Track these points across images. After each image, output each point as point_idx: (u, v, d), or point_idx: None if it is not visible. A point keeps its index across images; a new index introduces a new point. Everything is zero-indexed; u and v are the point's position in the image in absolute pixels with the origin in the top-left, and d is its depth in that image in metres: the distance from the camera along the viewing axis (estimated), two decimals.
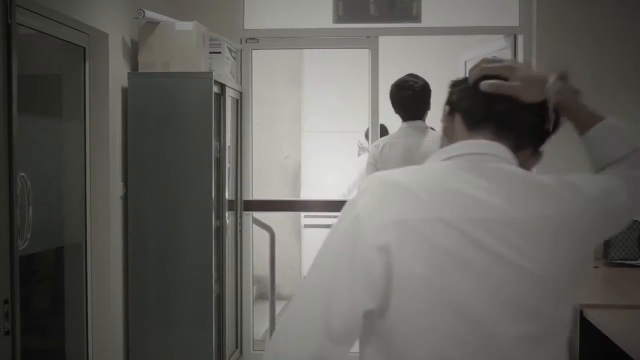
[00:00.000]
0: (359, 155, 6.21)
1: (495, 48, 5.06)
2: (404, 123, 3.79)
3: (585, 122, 1.39)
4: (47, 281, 3.67)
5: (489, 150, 1.29)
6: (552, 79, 1.32)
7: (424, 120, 3.79)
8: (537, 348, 1.23)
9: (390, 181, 1.23)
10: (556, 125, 1.36)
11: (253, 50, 4.93)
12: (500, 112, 1.31)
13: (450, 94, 1.41)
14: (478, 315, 1.19)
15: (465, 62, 5.54)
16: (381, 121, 4.93)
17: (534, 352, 1.22)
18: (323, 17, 4.86)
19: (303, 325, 1.18)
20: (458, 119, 1.36)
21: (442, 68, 4.36)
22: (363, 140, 5.46)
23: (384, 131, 5.01)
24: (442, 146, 1.36)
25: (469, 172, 1.25)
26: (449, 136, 1.37)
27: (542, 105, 1.32)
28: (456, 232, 1.18)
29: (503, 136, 1.31)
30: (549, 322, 1.24)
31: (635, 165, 1.37)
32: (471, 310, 1.19)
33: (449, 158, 1.30)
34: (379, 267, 1.16)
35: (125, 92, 3.94)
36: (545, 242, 1.23)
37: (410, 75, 3.85)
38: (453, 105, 1.38)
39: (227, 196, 4.40)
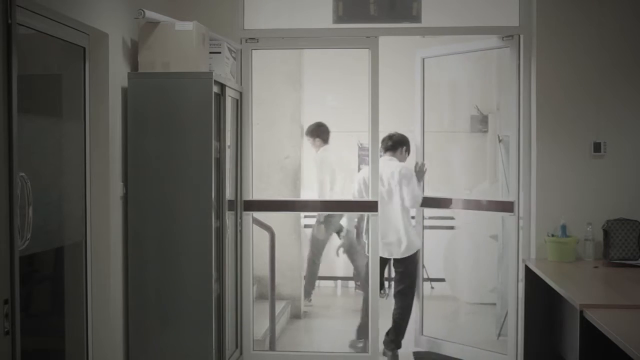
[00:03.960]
0: (358, 155, 6.22)
1: (452, 50, 5.12)
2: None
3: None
4: (47, 281, 3.66)
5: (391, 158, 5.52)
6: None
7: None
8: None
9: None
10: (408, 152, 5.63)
11: (253, 50, 4.93)
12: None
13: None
14: (385, 191, 5.39)
15: (423, 60, 5.52)
16: (381, 122, 4.94)
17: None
18: (323, 17, 4.87)
19: None
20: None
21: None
22: (363, 140, 5.52)
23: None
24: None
25: (387, 162, 5.40)
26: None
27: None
28: (384, 177, 5.34)
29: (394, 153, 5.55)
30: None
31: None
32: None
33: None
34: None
35: (125, 92, 3.94)
36: (400, 178, 5.36)
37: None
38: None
39: (227, 196, 4.41)
